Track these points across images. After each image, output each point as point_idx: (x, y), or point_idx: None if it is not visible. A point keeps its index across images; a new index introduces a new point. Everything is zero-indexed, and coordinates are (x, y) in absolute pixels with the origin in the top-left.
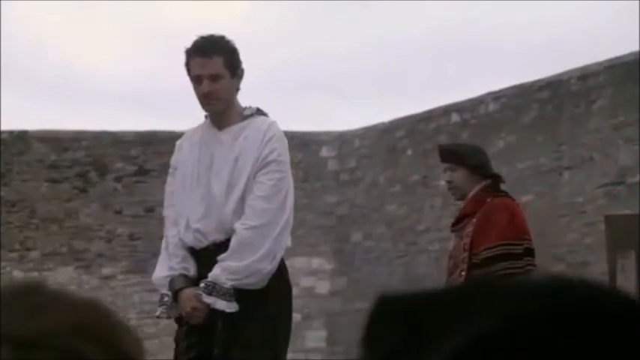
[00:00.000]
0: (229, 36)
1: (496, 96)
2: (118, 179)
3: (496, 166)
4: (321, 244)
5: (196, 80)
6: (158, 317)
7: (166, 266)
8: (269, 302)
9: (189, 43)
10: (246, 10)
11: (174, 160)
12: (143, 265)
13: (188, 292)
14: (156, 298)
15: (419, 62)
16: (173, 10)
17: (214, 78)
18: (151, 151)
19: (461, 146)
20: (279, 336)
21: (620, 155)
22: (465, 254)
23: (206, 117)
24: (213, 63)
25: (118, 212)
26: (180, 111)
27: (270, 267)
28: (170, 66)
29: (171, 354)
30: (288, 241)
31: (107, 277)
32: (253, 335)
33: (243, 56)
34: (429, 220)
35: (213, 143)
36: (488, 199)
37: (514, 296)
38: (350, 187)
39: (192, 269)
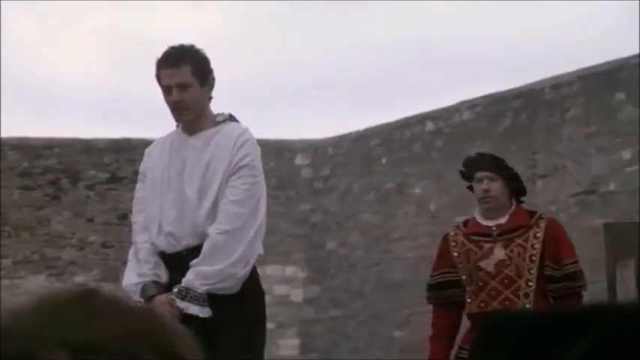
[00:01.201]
0: (200, 45)
1: (470, 105)
2: (90, 187)
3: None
4: (295, 252)
5: (166, 90)
6: None
7: (136, 273)
8: (243, 307)
9: (159, 53)
10: (215, 20)
11: (143, 166)
12: (115, 273)
13: (161, 298)
14: None
15: (395, 71)
16: (145, 19)
17: (183, 87)
18: (123, 159)
19: (501, 158)
20: (255, 341)
21: (592, 164)
22: (532, 265)
23: (177, 125)
24: (182, 72)
25: (90, 220)
26: (153, 118)
27: (243, 272)
28: (143, 74)
29: None
30: (260, 248)
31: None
32: (228, 340)
33: (214, 65)
34: (404, 228)
35: (184, 148)
36: (543, 215)
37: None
38: (324, 195)
39: (164, 276)
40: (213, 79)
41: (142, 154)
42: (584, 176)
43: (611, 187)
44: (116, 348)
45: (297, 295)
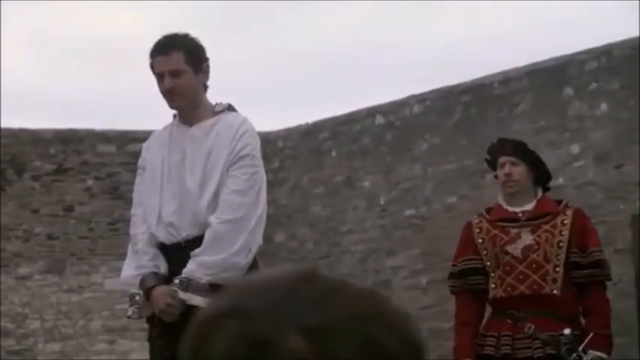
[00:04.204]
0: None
1: (420, 99)
2: (35, 178)
3: (421, 168)
4: None
5: (159, 77)
6: (129, 318)
7: (134, 265)
8: None
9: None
10: (160, 13)
11: (141, 160)
12: (61, 265)
13: (162, 289)
14: (74, 299)
15: (344, 66)
16: (93, 14)
17: (175, 74)
18: (70, 150)
19: (523, 142)
20: None
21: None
22: (560, 251)
23: (174, 116)
24: (173, 59)
25: (36, 211)
26: (98, 111)
27: (245, 261)
28: (86, 67)
29: (87, 355)
30: (260, 238)
31: (24, 277)
32: None
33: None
34: (353, 221)
35: (184, 139)
36: (569, 204)
37: None
38: (273, 187)
39: (162, 267)
40: (208, 67)
41: (89, 146)
42: None
43: (560, 181)
44: (351, 330)
45: None
